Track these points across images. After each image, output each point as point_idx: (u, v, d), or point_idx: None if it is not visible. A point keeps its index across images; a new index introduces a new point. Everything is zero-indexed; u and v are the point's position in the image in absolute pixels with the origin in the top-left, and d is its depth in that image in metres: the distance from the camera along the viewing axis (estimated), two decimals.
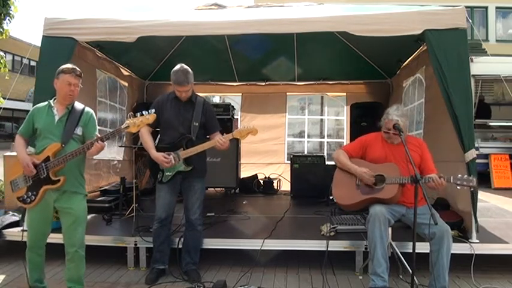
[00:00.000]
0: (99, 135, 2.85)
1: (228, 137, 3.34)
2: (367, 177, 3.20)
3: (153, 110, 2.81)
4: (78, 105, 2.99)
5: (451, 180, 2.90)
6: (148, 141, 3.38)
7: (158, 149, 3.37)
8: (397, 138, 3.25)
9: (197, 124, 3.38)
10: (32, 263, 2.93)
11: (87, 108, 3.03)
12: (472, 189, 3.47)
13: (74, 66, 2.93)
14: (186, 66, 3.34)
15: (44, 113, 2.91)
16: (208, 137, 3.53)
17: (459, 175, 2.89)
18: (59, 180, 2.78)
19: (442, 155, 4.11)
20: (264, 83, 7.69)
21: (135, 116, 2.77)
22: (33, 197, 2.82)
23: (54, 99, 2.96)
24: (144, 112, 2.77)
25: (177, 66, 3.35)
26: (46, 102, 2.97)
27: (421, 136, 5.06)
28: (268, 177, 7.02)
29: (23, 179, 2.86)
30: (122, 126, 2.78)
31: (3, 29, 7.28)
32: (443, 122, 3.75)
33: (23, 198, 2.85)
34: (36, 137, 2.92)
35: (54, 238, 3.04)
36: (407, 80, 5.84)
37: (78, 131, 2.90)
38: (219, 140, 3.30)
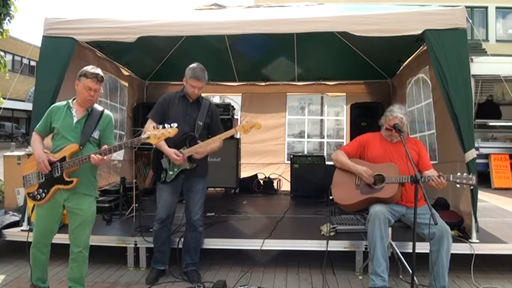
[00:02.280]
0: (115, 143, 2.85)
1: (232, 132, 3.39)
2: (366, 176, 3.21)
3: (176, 125, 2.80)
4: (98, 108, 2.98)
5: (451, 179, 2.90)
6: None
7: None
8: (397, 136, 3.28)
9: (201, 123, 3.40)
10: (36, 260, 2.92)
11: (107, 112, 3.01)
12: (471, 187, 3.47)
13: (97, 71, 2.87)
14: (202, 65, 3.40)
15: (62, 112, 2.89)
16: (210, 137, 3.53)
17: (458, 173, 2.89)
18: (71, 182, 2.78)
19: (455, 155, 4.07)
20: (264, 83, 7.69)
21: (157, 128, 2.76)
22: (44, 195, 2.82)
23: (74, 99, 2.94)
24: (166, 125, 2.77)
25: (194, 64, 3.40)
26: (65, 102, 2.96)
27: (434, 136, 5.04)
28: (268, 177, 7.02)
29: (36, 176, 2.85)
30: (143, 137, 2.78)
31: (3, 29, 7.28)
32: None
33: (34, 195, 2.85)
34: (53, 136, 2.91)
35: (56, 238, 3.03)
36: (410, 81, 5.83)
37: (96, 134, 2.90)
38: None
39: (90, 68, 2.89)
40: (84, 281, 2.95)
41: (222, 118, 6.30)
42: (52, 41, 3.96)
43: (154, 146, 3.41)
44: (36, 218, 2.94)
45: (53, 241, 2.98)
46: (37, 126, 2.97)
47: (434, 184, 2.97)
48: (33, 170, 2.87)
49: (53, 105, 2.99)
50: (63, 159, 2.79)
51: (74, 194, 2.84)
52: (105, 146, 2.81)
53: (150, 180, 6.06)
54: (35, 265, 2.93)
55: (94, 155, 2.72)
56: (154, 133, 2.74)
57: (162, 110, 3.43)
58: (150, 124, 3.38)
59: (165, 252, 3.50)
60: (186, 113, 3.41)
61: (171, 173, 3.36)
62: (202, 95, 3.55)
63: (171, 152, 3.26)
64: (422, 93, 5.38)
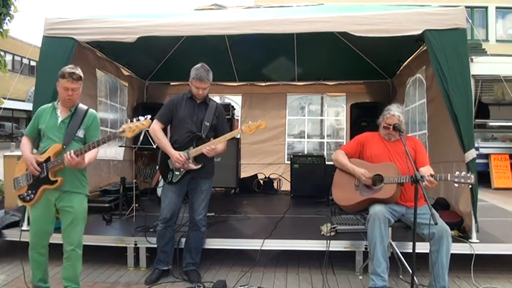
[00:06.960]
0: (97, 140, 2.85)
1: (237, 132, 3.41)
2: (363, 179, 3.22)
3: (149, 116, 2.82)
4: (82, 107, 2.99)
5: (449, 178, 2.89)
6: (163, 139, 3.39)
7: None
8: (395, 135, 3.30)
9: (208, 124, 3.41)
10: (35, 262, 2.94)
11: (91, 110, 3.02)
12: (470, 186, 3.45)
13: (73, 70, 2.86)
14: (207, 66, 3.40)
15: (48, 114, 2.92)
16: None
17: (457, 172, 2.87)
18: (56, 181, 2.81)
19: (448, 155, 4.09)
20: (264, 83, 7.69)
21: (131, 121, 2.78)
22: (33, 196, 2.85)
23: (59, 101, 2.96)
24: (140, 117, 2.79)
25: (198, 64, 3.41)
26: (51, 104, 2.98)
27: (425, 136, 5.05)
28: (268, 177, 7.02)
29: (25, 178, 2.89)
30: (118, 131, 2.79)
31: (3, 29, 7.29)
32: (447, 122, 3.74)
33: (23, 196, 2.89)
34: (41, 138, 2.94)
35: (54, 238, 3.04)
36: (408, 81, 5.84)
37: (80, 133, 2.91)
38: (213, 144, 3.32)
39: (67, 68, 2.88)
40: (79, 279, 2.96)
41: None
42: (52, 41, 3.96)
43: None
44: (31, 220, 2.96)
45: (52, 241, 2.98)
46: (26, 129, 3.00)
47: (425, 184, 2.89)
48: (22, 172, 2.91)
49: (40, 108, 3.02)
50: (48, 159, 2.82)
51: (64, 193, 2.86)
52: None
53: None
54: (34, 267, 2.95)
55: (66, 155, 2.72)
56: (129, 126, 2.76)
57: (169, 112, 3.44)
58: (155, 125, 3.40)
59: (168, 252, 3.51)
60: (193, 114, 3.42)
61: (177, 173, 3.38)
62: None
63: (174, 154, 3.28)
64: (417, 93, 5.39)
